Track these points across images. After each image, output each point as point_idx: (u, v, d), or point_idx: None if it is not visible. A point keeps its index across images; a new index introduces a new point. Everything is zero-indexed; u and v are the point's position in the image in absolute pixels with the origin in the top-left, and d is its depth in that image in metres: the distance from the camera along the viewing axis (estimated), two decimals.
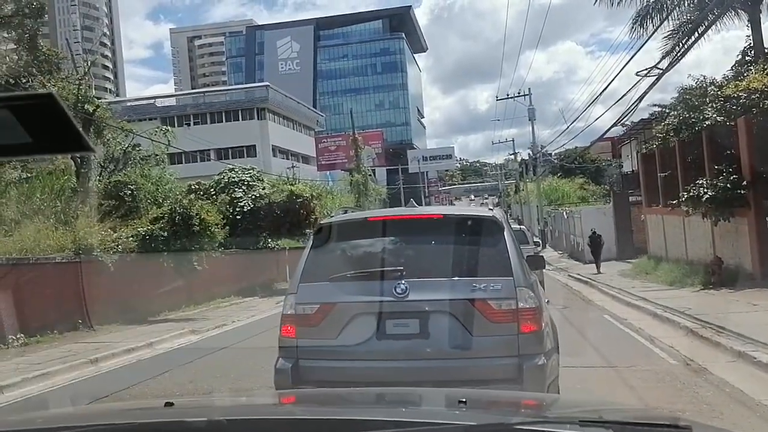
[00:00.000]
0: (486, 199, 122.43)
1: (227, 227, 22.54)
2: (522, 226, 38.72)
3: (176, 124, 61.81)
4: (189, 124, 63.30)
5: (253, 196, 24.92)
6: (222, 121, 64.84)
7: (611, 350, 8.85)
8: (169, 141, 24.21)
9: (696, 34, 18.62)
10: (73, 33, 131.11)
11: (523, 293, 4.49)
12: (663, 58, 18.61)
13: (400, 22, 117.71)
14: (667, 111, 21.76)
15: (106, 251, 15.35)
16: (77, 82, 20.76)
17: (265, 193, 25.14)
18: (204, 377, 8.66)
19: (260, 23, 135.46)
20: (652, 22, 20.70)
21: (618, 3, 19.43)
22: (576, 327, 11.15)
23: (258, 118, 64.97)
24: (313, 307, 4.69)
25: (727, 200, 14.50)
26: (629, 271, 21.05)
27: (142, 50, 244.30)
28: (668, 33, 20.91)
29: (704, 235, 17.42)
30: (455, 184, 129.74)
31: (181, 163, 52.59)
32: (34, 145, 1.38)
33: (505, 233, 4.80)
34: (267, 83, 71.90)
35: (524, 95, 41.72)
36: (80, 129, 1.42)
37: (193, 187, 26.37)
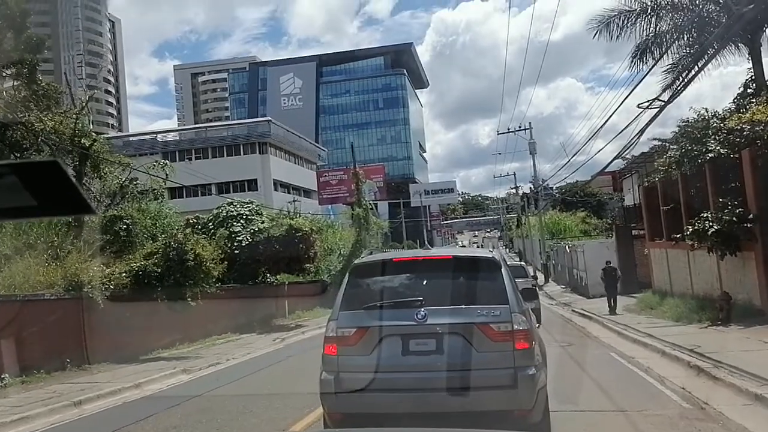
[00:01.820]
0: (488, 232, 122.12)
1: (225, 262, 22.13)
2: (522, 262, 38.60)
3: (177, 159, 62.23)
4: (191, 159, 63.49)
5: (252, 231, 24.57)
6: (224, 156, 64.99)
7: (620, 392, 8.41)
8: (167, 175, 24.00)
9: (696, 68, 18.48)
10: (76, 69, 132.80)
11: (517, 318, 5.57)
12: (663, 91, 18.48)
13: (402, 58, 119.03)
14: (669, 144, 21.53)
15: (97, 288, 14.98)
16: (74, 117, 20.67)
17: (264, 228, 24.79)
18: (189, 423, 8.20)
19: (263, 60, 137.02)
20: (651, 56, 20.63)
21: (617, 37, 19.40)
22: (581, 366, 10.70)
23: (260, 153, 65.09)
24: (351, 330, 5.75)
25: (733, 234, 14.15)
26: (634, 306, 20.58)
27: (147, 86, 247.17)
28: (668, 66, 20.84)
29: (710, 270, 17.02)
30: (457, 218, 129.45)
31: (182, 197, 52.53)
32: (39, 208, 1.47)
33: (502, 270, 6.02)
34: (269, 118, 72.31)
35: (525, 129, 41.74)
36: (83, 193, 1.53)
37: (190, 221, 26.11)
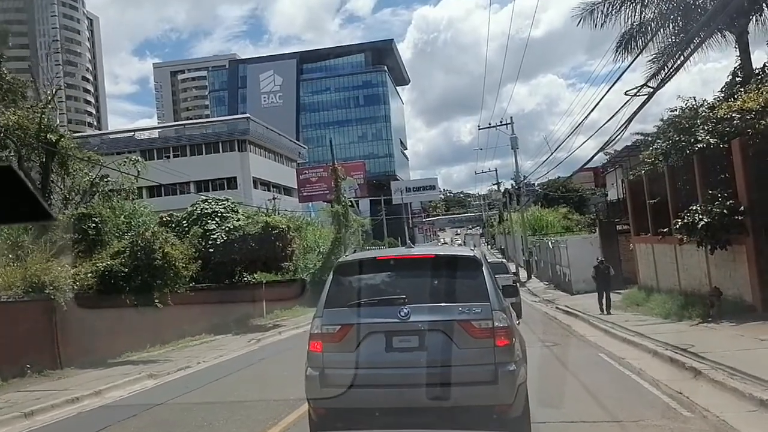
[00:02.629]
0: (470, 229, 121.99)
1: (199, 261, 21.38)
2: (503, 259, 38.26)
3: (156, 157, 61.18)
4: (169, 157, 62.37)
5: (227, 228, 23.73)
6: (202, 154, 63.90)
7: (612, 398, 7.79)
8: (138, 171, 23.09)
9: (682, 57, 18.03)
10: (53, 67, 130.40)
11: (497, 315, 5.66)
12: (649, 80, 17.98)
13: (383, 55, 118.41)
14: (654, 136, 21.09)
15: (60, 289, 14.14)
16: (40, 111, 19.74)
17: (240, 225, 23.96)
18: None
19: (244, 57, 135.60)
20: (636, 45, 20.17)
21: (601, 25, 18.88)
22: (569, 369, 10.10)
23: (239, 150, 64.08)
24: (335, 328, 5.80)
25: (724, 227, 13.67)
26: (619, 302, 20.10)
27: (128, 85, 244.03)
28: (653, 56, 20.37)
29: (698, 265, 16.58)
30: (439, 215, 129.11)
31: (161, 196, 51.55)
32: None
33: (483, 268, 6.10)
34: (248, 115, 71.23)
35: (506, 124, 41.27)
36: (41, 198, 1.51)
37: (164, 219, 25.23)
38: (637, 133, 31.92)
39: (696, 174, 15.89)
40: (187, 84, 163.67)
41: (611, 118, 15.17)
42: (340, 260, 7.09)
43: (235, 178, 62.43)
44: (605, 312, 18.32)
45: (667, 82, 15.07)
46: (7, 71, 23.86)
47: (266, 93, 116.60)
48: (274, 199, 49.05)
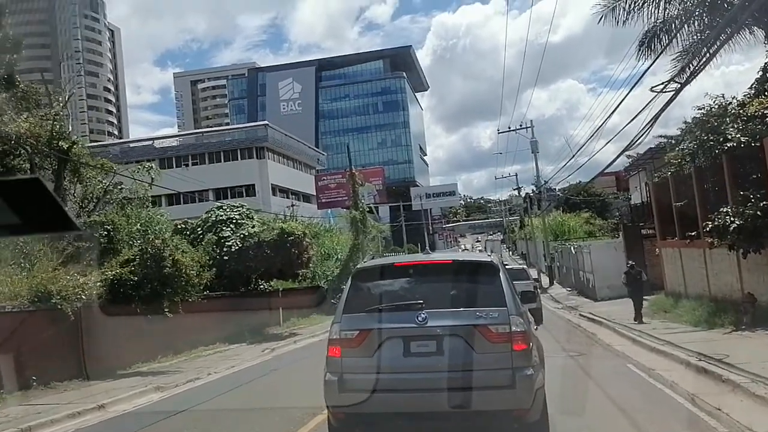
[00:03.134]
0: (491, 235, 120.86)
1: (213, 269, 21.08)
2: (523, 265, 37.59)
3: (175, 165, 61.41)
4: (187, 165, 62.56)
5: (242, 235, 23.41)
6: (221, 161, 63.97)
7: (644, 413, 7.18)
8: (152, 179, 22.84)
9: (708, 55, 17.30)
10: (75, 78, 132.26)
11: (514, 320, 5.70)
12: (672, 79, 17.27)
13: (401, 61, 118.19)
14: (680, 137, 20.32)
15: (68, 299, 13.81)
16: (52, 118, 19.58)
17: (255, 232, 23.62)
18: None
19: (263, 66, 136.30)
20: (659, 43, 19.47)
21: (624, 22, 18.21)
22: (596, 381, 9.45)
23: (257, 157, 64.09)
24: (353, 333, 5.88)
25: (757, 229, 12.92)
26: (646, 309, 19.27)
27: (150, 95, 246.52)
28: (677, 54, 19.64)
29: (729, 269, 15.80)
30: (459, 221, 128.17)
31: (180, 203, 51.62)
32: (22, 225, 1.48)
33: (500, 273, 6.14)
34: (266, 122, 71.25)
35: (526, 127, 40.53)
36: (66, 210, 1.58)
37: (179, 226, 25.02)
38: (660, 136, 31.08)
39: (726, 175, 15.14)
40: (207, 93, 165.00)
41: (635, 116, 14.51)
42: (358, 266, 7.12)
43: (253, 185, 62.40)
44: (638, 321, 17.11)
45: (694, 77, 14.37)
46: (22, 79, 23.89)
47: (285, 101, 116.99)
48: (292, 206, 48.84)
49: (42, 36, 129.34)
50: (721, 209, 13.75)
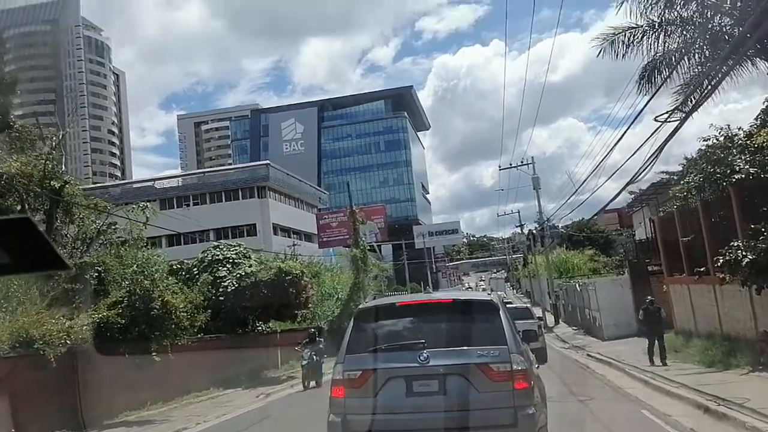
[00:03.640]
0: (495, 273, 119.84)
1: (209, 310, 20.51)
2: (526, 304, 36.89)
3: (176, 206, 61.24)
4: (188, 205, 62.39)
5: (238, 275, 22.81)
6: (222, 201, 63.76)
7: None
8: (147, 218, 22.38)
9: (710, 87, 16.98)
10: (80, 121, 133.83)
11: (515, 358, 5.69)
12: (675, 109, 16.93)
13: (402, 101, 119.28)
14: (685, 169, 19.87)
15: (51, 344, 13.21)
16: (44, 158, 19.25)
17: (252, 271, 23.03)
18: None
19: (266, 107, 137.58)
20: (660, 76, 19.18)
21: (623, 56, 17.94)
22: (609, 428, 8.77)
23: (258, 197, 63.89)
24: (356, 373, 5.90)
25: None
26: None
27: (154, 138, 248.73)
28: (678, 87, 19.32)
29: (742, 306, 15.16)
30: (462, 259, 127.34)
31: (180, 244, 51.15)
32: (13, 265, 1.48)
33: (500, 312, 6.15)
34: (267, 161, 71.32)
35: (527, 164, 40.25)
36: (57, 249, 1.55)
37: (174, 267, 24.47)
38: (662, 172, 30.68)
39: (734, 207, 14.66)
40: (211, 134, 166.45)
41: (640, 147, 14.07)
42: (360, 306, 7.23)
43: (254, 225, 62.06)
44: (662, 363, 15.65)
45: (698, 107, 13.99)
46: (25, 122, 23.72)
47: (288, 141, 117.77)
48: (294, 245, 48.34)
49: (48, 80, 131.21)
50: (732, 243, 13.20)
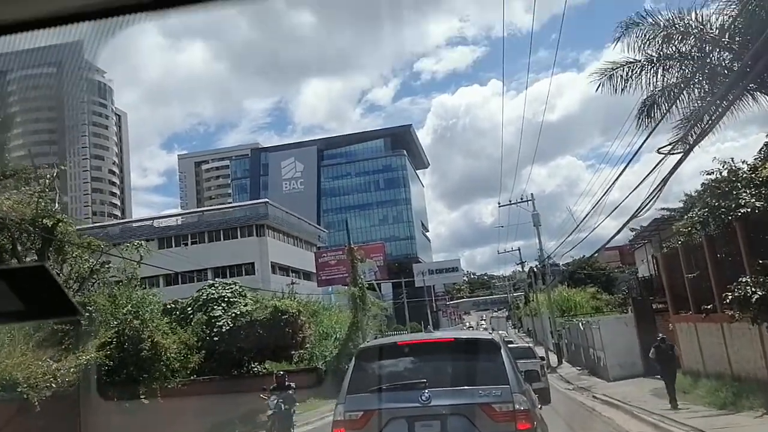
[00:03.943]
0: (496, 312, 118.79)
1: (203, 351, 20.00)
2: (529, 344, 36.26)
3: (174, 245, 60.93)
4: (186, 244, 62.11)
5: (233, 314, 22.36)
6: (221, 240, 63.44)
7: None
8: (141, 256, 22.01)
9: (710, 121, 16.81)
10: (81, 162, 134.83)
11: (517, 398, 5.65)
12: (678, 141, 16.72)
13: (401, 140, 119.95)
14: (688, 204, 19.58)
15: (35, 387, 12.71)
16: (37, 196, 18.99)
17: (247, 311, 22.58)
18: None
19: (266, 146, 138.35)
20: (659, 110, 19.04)
21: (622, 90, 17.83)
22: None
23: (257, 235, 63.57)
24: (358, 414, 5.85)
25: None
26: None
27: (156, 178, 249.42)
28: (677, 122, 19.16)
29: (752, 345, 14.67)
30: (463, 298, 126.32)
31: (178, 283, 50.64)
32: (27, 312, 1.50)
33: (502, 351, 6.09)
34: (266, 200, 71.27)
35: (527, 200, 40.03)
36: (71, 297, 1.59)
37: (169, 306, 24.00)
38: (663, 209, 30.39)
39: (740, 242, 14.31)
40: (211, 173, 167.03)
41: (644, 179, 13.79)
42: (361, 346, 7.29)
43: (253, 263, 61.61)
44: (671, 405, 14.90)
45: (702, 139, 13.77)
46: (11, 158, 23.58)
47: (288, 180, 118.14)
48: (292, 284, 47.84)
49: (50, 121, 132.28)
50: (741, 279, 12.79)
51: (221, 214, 69.79)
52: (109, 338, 14.63)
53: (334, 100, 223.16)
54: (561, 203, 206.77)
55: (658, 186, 12.23)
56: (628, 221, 15.89)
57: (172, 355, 14.72)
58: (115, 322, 16.25)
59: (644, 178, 13.57)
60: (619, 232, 21.17)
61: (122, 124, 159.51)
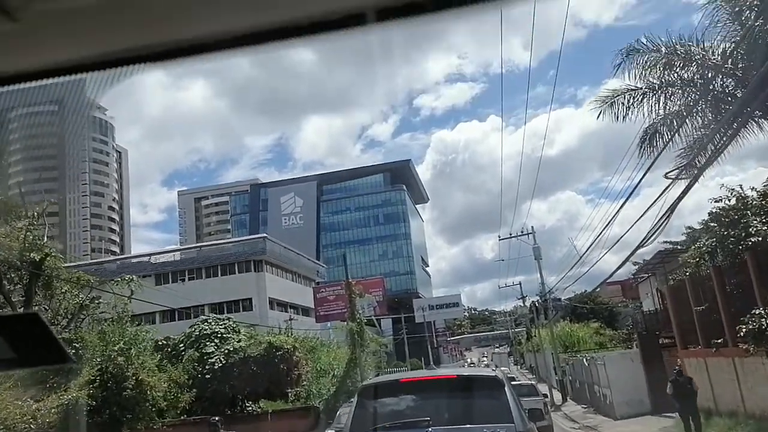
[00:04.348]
0: (497, 348, 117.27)
1: (194, 389, 19.25)
2: (532, 381, 35.39)
3: (171, 281, 60.31)
4: (183, 280, 61.58)
5: (226, 351, 21.62)
6: (218, 275, 62.81)
7: None
8: (132, 291, 21.43)
9: (714, 149, 16.40)
10: (81, 198, 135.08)
11: None
12: (684, 168, 16.30)
13: (401, 174, 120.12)
14: (694, 235, 19.06)
15: (13, 429, 12.02)
16: (24, 229, 18.50)
17: (241, 347, 21.85)
18: None
19: (265, 182, 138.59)
20: (662, 139, 18.68)
21: (624, 117, 17.47)
22: None
23: (255, 270, 62.91)
24: None
25: None
26: (673, 428, 17.24)
27: (156, 214, 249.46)
28: (680, 150, 18.77)
29: (766, 380, 13.99)
30: (464, 334, 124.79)
31: (174, 320, 49.85)
32: (18, 360, 1.49)
33: (505, 388, 6.12)
34: (264, 235, 70.79)
35: (528, 234, 39.50)
36: (62, 343, 1.60)
37: (160, 343, 23.28)
38: (665, 242, 29.71)
39: (751, 273, 13.76)
40: (210, 209, 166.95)
41: (652, 205, 13.29)
42: (364, 383, 7.48)
43: (250, 299, 60.85)
44: None
45: (711, 164, 13.31)
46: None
47: (287, 215, 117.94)
48: (290, 319, 47.04)
49: (51, 158, 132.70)
50: (754, 311, 12.22)
51: (218, 249, 69.25)
52: (93, 376, 13.94)
53: (335, 136, 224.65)
54: (561, 238, 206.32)
55: (666, 212, 11.73)
56: (634, 251, 15.30)
57: (159, 394, 13.99)
58: (97, 360, 15.56)
59: (653, 203, 13.08)
60: (624, 263, 20.62)
61: (122, 160, 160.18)
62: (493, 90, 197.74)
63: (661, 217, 11.88)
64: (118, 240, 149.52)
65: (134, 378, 13.55)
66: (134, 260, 70.03)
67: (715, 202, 14.21)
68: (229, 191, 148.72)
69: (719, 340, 15.89)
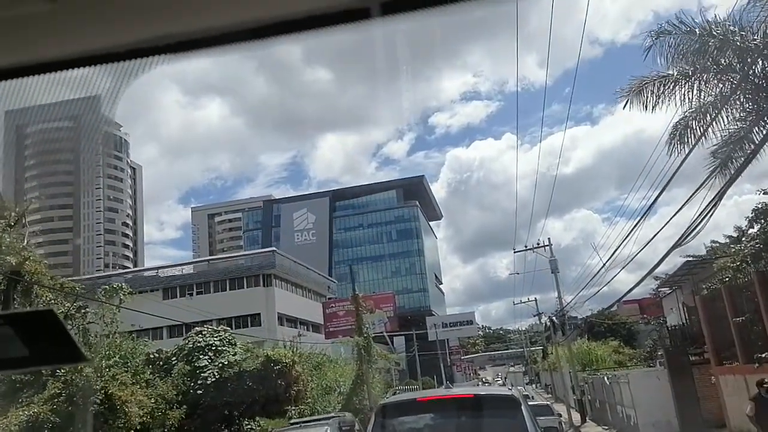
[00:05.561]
0: (512, 366, 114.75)
1: (184, 406, 17.74)
2: (547, 401, 33.62)
3: (179, 295, 59.23)
4: (192, 294, 60.42)
5: (221, 364, 20.12)
6: (226, 290, 61.56)
7: None
8: (120, 300, 20.03)
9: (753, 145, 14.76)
10: (95, 213, 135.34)
11: None
12: (712, 173, 14.63)
13: (414, 191, 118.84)
14: (738, 236, 17.34)
15: None
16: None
17: (236, 360, 20.34)
18: None
19: (278, 198, 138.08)
20: (693, 135, 17.05)
21: (653, 107, 15.88)
22: None
23: (264, 285, 61.56)
24: None
25: None
26: None
27: (172, 231, 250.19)
28: (714, 147, 17.11)
29: None
30: (478, 352, 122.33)
31: (182, 335, 48.54)
32: (32, 358, 1.46)
33: (522, 407, 6.26)
34: (273, 249, 69.53)
35: (544, 246, 37.71)
36: (77, 342, 1.52)
37: (152, 356, 21.84)
38: (688, 256, 27.63)
39: None
40: (224, 225, 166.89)
41: (681, 208, 11.65)
42: (381, 402, 7.47)
43: (259, 314, 59.47)
44: None
45: (753, 158, 11.68)
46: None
47: (300, 231, 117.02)
48: (299, 335, 45.61)
49: (67, 174, 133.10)
50: None
51: (227, 263, 68.06)
52: (58, 390, 12.47)
53: (350, 154, 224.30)
54: (577, 257, 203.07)
55: (712, 200, 10.09)
56: (670, 251, 13.46)
57: (132, 409, 12.47)
58: (62, 371, 14.11)
59: (673, 216, 11.45)
60: (656, 266, 18.54)
61: (137, 177, 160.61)
62: (509, 108, 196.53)
63: (706, 208, 10.24)
64: (131, 256, 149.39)
65: (103, 392, 12.04)
66: (145, 274, 69.06)
67: (764, 193, 12.57)
68: (242, 207, 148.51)
69: (762, 355, 14.20)
